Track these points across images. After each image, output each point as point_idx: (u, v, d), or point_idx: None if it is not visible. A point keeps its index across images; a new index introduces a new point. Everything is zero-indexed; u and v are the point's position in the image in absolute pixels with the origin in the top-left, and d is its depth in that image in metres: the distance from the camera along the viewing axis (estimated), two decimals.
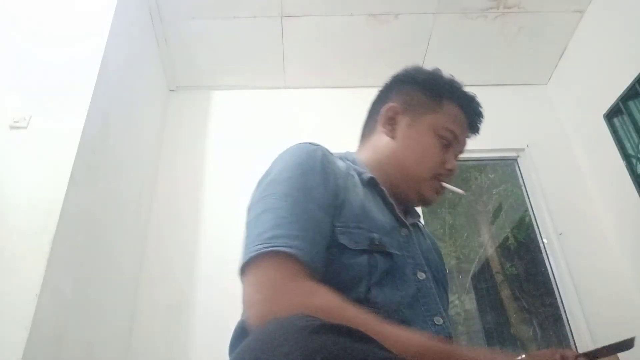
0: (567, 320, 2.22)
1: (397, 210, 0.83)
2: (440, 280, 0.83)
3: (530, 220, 2.52)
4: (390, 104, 0.93)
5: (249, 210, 0.76)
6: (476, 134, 0.97)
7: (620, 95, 2.14)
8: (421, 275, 0.75)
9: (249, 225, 0.71)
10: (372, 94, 3.11)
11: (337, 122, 2.69)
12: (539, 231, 2.46)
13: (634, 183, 2.07)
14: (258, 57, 2.64)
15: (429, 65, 2.96)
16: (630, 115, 2.12)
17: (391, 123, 0.92)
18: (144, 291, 2.18)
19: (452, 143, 0.91)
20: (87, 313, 1.65)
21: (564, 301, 2.26)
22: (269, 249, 0.63)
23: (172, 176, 2.50)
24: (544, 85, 2.81)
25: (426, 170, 0.87)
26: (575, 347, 2.16)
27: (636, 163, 2.10)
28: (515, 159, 2.64)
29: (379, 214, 0.78)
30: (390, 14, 2.46)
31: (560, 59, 2.68)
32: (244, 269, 0.65)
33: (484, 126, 2.52)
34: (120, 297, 2.00)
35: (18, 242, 1.38)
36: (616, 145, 2.18)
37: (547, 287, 2.35)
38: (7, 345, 1.23)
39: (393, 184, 0.86)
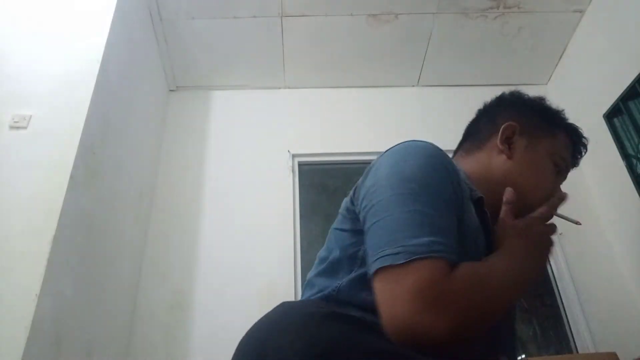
0: (567, 320, 2.22)
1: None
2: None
3: None
4: (510, 123, 0.88)
5: (377, 201, 0.68)
6: (576, 166, 0.96)
7: (620, 95, 2.14)
8: None
9: (391, 220, 0.64)
10: (372, 94, 3.11)
11: (338, 122, 2.70)
12: None
13: (633, 183, 2.07)
14: (258, 57, 2.64)
15: (429, 65, 2.96)
16: (630, 115, 2.12)
17: (508, 142, 0.88)
18: (144, 291, 2.19)
19: (562, 172, 0.89)
20: (87, 313, 1.64)
21: (564, 301, 2.27)
22: (433, 255, 0.60)
23: (172, 176, 2.50)
24: (544, 85, 2.81)
25: (542, 196, 0.83)
26: (575, 347, 2.16)
27: (636, 163, 2.10)
28: None
29: (480, 238, 0.75)
30: (390, 14, 2.46)
31: (560, 59, 2.68)
32: (394, 266, 0.59)
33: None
34: (120, 297, 2.00)
35: (18, 242, 1.38)
36: (616, 145, 2.18)
37: (547, 287, 2.35)
38: (7, 345, 1.23)
39: (499, 205, 0.80)
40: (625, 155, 2.14)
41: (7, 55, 1.71)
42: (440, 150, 0.75)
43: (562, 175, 0.90)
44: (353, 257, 0.71)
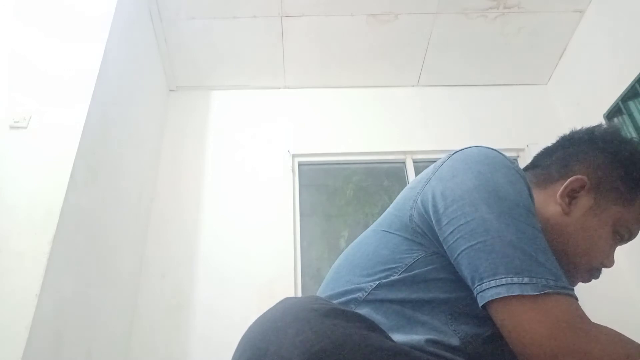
0: None
1: None
2: None
3: None
4: (580, 177, 0.78)
5: (472, 219, 0.64)
6: None
7: (620, 95, 2.14)
8: None
9: (501, 243, 0.61)
10: (372, 94, 3.09)
11: (338, 122, 2.70)
12: None
13: None
14: (258, 57, 2.64)
15: (429, 65, 2.94)
16: (630, 115, 2.12)
17: (571, 195, 0.78)
18: (144, 291, 2.19)
19: (623, 241, 0.82)
20: (87, 313, 1.64)
21: None
22: (564, 291, 0.59)
23: (172, 176, 2.50)
24: (544, 85, 2.81)
25: (589, 263, 0.79)
26: None
27: None
28: (515, 159, 2.64)
29: None
30: (390, 14, 2.46)
31: (560, 59, 2.68)
32: (524, 297, 0.58)
33: (483, 126, 2.55)
34: (120, 297, 2.00)
35: (18, 242, 1.38)
36: None
37: None
38: (7, 345, 1.23)
39: None
40: None
41: (8, 55, 1.71)
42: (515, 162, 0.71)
43: (621, 243, 0.82)
44: (400, 260, 0.69)
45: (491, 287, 0.59)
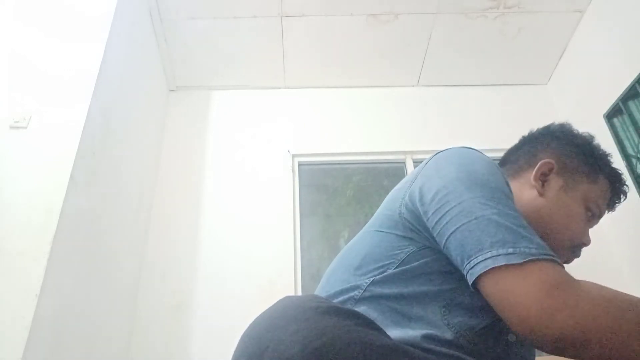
0: None
1: None
2: None
3: None
4: (548, 160, 0.88)
5: (457, 204, 0.67)
6: (612, 211, 0.95)
7: (620, 95, 2.14)
8: (512, 337, 0.72)
9: (485, 222, 0.64)
10: (372, 94, 3.10)
11: (338, 122, 2.70)
12: None
13: (634, 183, 2.07)
14: (258, 57, 2.64)
15: (429, 65, 2.94)
16: (630, 115, 2.12)
17: (542, 179, 0.87)
18: (144, 291, 2.19)
19: (594, 218, 0.89)
20: (87, 313, 1.65)
21: None
22: (548, 257, 0.62)
23: (172, 176, 2.50)
24: (544, 85, 2.81)
25: (568, 240, 0.87)
26: None
27: (636, 163, 2.10)
28: None
29: None
30: (390, 14, 2.46)
31: (560, 59, 2.68)
32: (510, 266, 0.60)
33: (483, 126, 2.56)
34: (120, 297, 2.00)
35: (18, 242, 1.38)
36: (616, 145, 2.18)
37: None
38: (7, 345, 1.23)
39: None
40: (625, 155, 2.14)
41: (8, 55, 1.72)
42: None
43: (593, 221, 0.89)
44: (393, 257, 0.73)
45: (479, 262, 0.62)
